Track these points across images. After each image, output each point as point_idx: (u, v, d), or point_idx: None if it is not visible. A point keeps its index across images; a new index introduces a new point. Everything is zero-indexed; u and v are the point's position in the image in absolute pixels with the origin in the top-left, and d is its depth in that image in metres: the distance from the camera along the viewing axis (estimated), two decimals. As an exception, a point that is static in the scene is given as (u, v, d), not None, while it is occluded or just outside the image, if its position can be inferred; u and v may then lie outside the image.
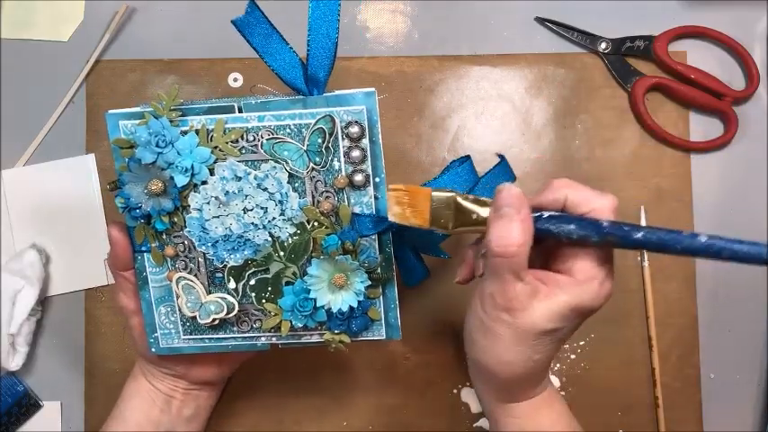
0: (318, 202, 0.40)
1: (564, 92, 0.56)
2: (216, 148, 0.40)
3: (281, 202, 0.41)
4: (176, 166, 0.40)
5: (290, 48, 0.40)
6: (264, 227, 0.41)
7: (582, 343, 0.55)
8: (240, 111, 0.40)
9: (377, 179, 0.40)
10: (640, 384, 0.54)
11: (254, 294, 0.42)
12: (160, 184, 0.39)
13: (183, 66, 0.56)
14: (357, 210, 0.40)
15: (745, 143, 0.56)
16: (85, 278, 0.55)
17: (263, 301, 0.42)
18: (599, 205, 0.37)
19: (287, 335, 0.42)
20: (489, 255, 0.37)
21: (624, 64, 0.56)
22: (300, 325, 0.41)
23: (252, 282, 0.42)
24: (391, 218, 0.39)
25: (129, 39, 0.56)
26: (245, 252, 0.42)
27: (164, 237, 0.42)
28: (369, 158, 0.39)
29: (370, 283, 0.41)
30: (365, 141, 0.39)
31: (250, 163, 0.40)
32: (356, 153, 0.39)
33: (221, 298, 0.42)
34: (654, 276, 0.55)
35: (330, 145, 0.39)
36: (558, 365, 0.55)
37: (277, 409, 0.55)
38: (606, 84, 0.56)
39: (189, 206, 0.41)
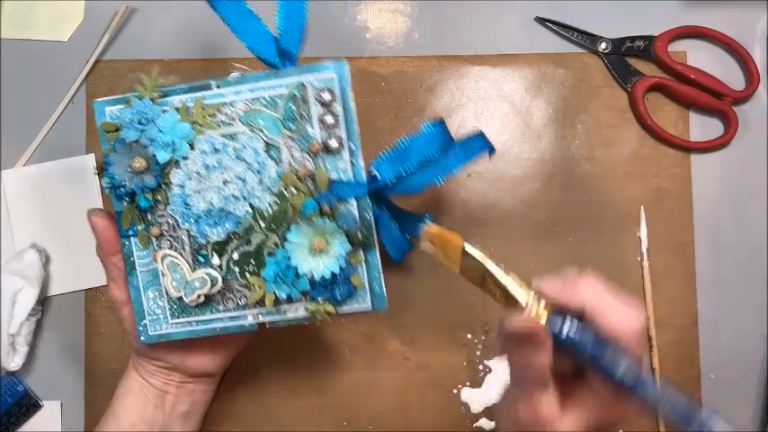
0: (295, 169, 0.42)
1: (564, 92, 0.56)
2: (195, 123, 0.42)
3: (258, 171, 0.42)
4: (158, 143, 0.42)
5: (263, 23, 0.42)
6: (244, 198, 0.42)
7: (582, 343, 0.55)
8: (218, 87, 0.42)
9: (352, 146, 0.41)
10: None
11: (237, 269, 0.43)
12: (143, 161, 0.41)
13: (183, 66, 0.56)
14: (334, 176, 0.41)
15: (745, 143, 0.56)
16: (85, 278, 0.55)
17: (247, 274, 0.43)
18: (620, 323, 0.33)
19: (272, 311, 0.43)
20: (512, 367, 0.35)
21: (624, 64, 0.56)
22: (284, 296, 0.42)
23: (235, 256, 0.43)
24: (423, 249, 0.39)
25: (129, 39, 0.56)
26: (227, 225, 0.43)
27: (149, 217, 0.43)
28: (342, 124, 0.41)
29: (350, 247, 0.41)
30: (337, 107, 0.41)
31: (228, 135, 0.42)
32: (329, 119, 0.41)
33: (206, 273, 0.43)
34: (654, 276, 0.55)
35: (303, 111, 0.41)
36: (558, 365, 0.55)
37: (277, 409, 0.55)
38: (606, 84, 0.56)
39: (171, 183, 0.43)
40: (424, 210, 0.55)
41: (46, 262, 0.55)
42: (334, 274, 0.41)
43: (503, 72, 0.56)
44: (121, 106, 0.42)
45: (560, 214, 0.55)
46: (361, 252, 0.42)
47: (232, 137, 0.42)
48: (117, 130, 0.42)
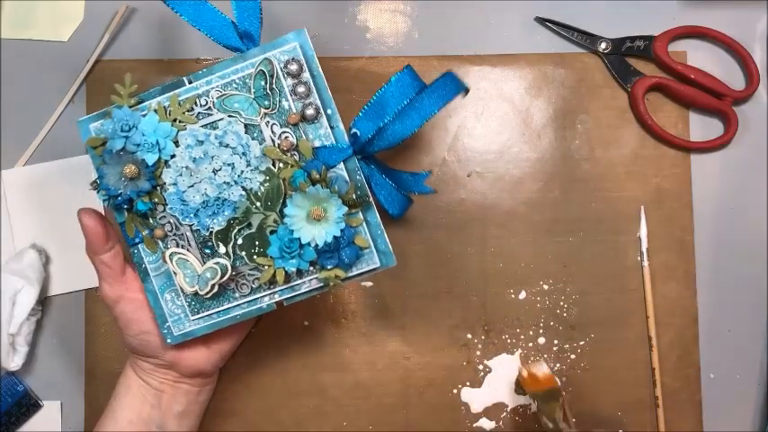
0: (278, 143, 0.43)
1: (564, 92, 0.56)
2: (175, 120, 0.43)
3: (244, 153, 0.43)
4: (143, 146, 0.43)
5: (219, 11, 0.43)
6: (236, 182, 0.43)
7: (582, 343, 0.55)
8: (190, 82, 0.43)
9: (328, 110, 0.43)
10: (640, 384, 0.55)
11: (244, 253, 0.44)
12: (134, 167, 0.42)
13: (182, 66, 0.56)
14: (317, 144, 0.42)
15: (745, 143, 0.56)
16: (85, 278, 0.55)
17: (254, 256, 0.44)
18: None
19: (287, 288, 0.44)
20: None
21: (624, 64, 0.56)
22: (294, 269, 0.43)
23: (239, 241, 0.44)
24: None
25: (129, 39, 0.56)
26: (226, 213, 0.44)
27: (150, 221, 0.44)
28: (314, 91, 0.42)
29: (346, 209, 0.42)
30: (306, 75, 0.42)
31: (208, 125, 0.43)
32: (301, 88, 0.42)
33: (215, 263, 0.44)
34: (654, 276, 0.55)
35: (274, 86, 0.42)
36: (558, 365, 0.55)
37: (277, 409, 0.55)
38: (606, 84, 0.56)
39: (165, 183, 0.43)
40: (426, 212, 0.55)
41: (46, 262, 0.55)
42: (336, 238, 0.42)
43: (503, 72, 0.56)
44: (103, 120, 0.43)
45: (560, 214, 0.55)
46: (360, 213, 0.43)
47: (213, 126, 0.43)
48: (104, 143, 0.43)
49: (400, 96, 0.43)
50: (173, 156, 0.43)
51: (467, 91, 0.44)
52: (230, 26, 0.43)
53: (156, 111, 0.43)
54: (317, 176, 0.42)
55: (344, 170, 0.43)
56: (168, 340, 0.46)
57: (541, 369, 0.53)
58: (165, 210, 0.44)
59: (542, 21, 0.56)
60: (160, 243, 0.44)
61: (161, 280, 0.45)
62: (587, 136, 0.56)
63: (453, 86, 0.43)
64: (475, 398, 0.54)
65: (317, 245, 0.42)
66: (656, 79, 0.55)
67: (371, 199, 0.43)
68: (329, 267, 0.43)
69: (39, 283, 0.53)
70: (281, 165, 0.43)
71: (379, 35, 0.57)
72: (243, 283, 0.44)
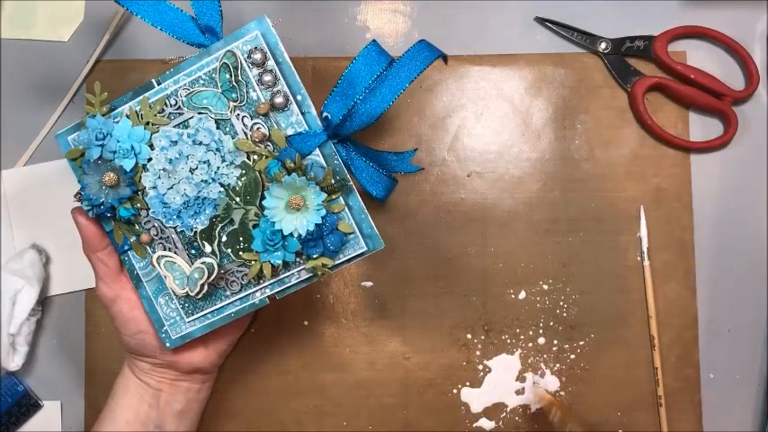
0: (250, 135, 0.43)
1: (564, 92, 0.56)
2: (148, 123, 0.43)
3: (217, 149, 0.43)
4: (119, 152, 0.43)
5: (177, 8, 0.43)
6: (213, 179, 0.43)
7: (582, 343, 0.55)
8: (159, 83, 0.43)
9: (298, 97, 0.42)
10: (640, 384, 0.55)
11: (229, 250, 0.44)
12: (113, 175, 0.43)
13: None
14: (290, 132, 0.42)
15: (744, 143, 0.56)
16: (85, 278, 0.55)
17: (240, 252, 0.44)
18: None
19: (276, 282, 0.44)
20: None
21: (624, 64, 0.56)
22: (279, 262, 0.43)
23: (224, 238, 0.44)
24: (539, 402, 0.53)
25: (129, 39, 0.56)
26: (207, 211, 0.44)
27: (136, 227, 0.44)
28: (280, 79, 0.42)
29: (325, 195, 0.42)
30: (271, 63, 0.42)
31: (180, 125, 0.43)
32: (267, 77, 0.42)
33: (201, 263, 0.44)
34: (654, 276, 0.55)
35: (240, 78, 0.42)
36: (557, 365, 0.55)
37: (277, 409, 0.55)
38: (606, 84, 0.56)
39: (145, 188, 0.44)
40: (426, 212, 0.55)
41: (46, 262, 0.55)
42: (318, 226, 0.42)
43: (503, 72, 0.56)
44: (79, 131, 0.44)
45: (560, 214, 0.55)
46: (341, 199, 0.42)
47: (184, 125, 0.43)
48: (83, 154, 0.43)
49: (368, 73, 0.42)
50: (149, 159, 0.43)
51: (445, 58, 0.43)
52: (190, 22, 0.43)
53: (128, 116, 0.43)
54: (292, 165, 0.42)
55: (321, 156, 0.42)
56: (167, 344, 0.46)
57: (544, 395, 0.54)
58: (148, 214, 0.44)
59: (542, 21, 0.56)
60: (148, 248, 0.45)
61: (154, 285, 0.45)
62: (587, 136, 0.56)
63: (426, 56, 0.42)
64: (475, 398, 0.54)
65: (299, 235, 0.42)
66: (655, 79, 0.55)
67: (352, 183, 0.43)
68: (315, 256, 0.43)
69: (39, 283, 0.53)
70: (256, 157, 0.43)
71: (379, 35, 0.57)
72: (233, 281, 0.45)
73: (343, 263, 0.43)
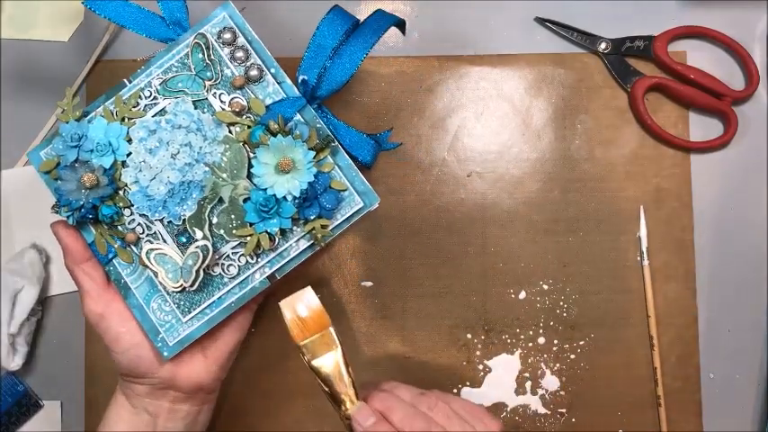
0: (229, 108, 0.43)
1: (564, 92, 0.56)
2: (123, 119, 0.43)
3: (198, 129, 0.43)
4: (97, 151, 0.42)
5: (142, 7, 0.44)
6: (197, 160, 0.43)
7: (582, 343, 0.55)
8: (130, 82, 0.44)
9: (272, 69, 0.43)
10: (641, 384, 0.54)
11: (222, 231, 0.43)
12: (92, 175, 0.42)
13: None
14: (269, 102, 0.43)
15: (744, 143, 0.56)
16: (85, 278, 0.55)
17: (233, 230, 0.43)
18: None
19: (276, 257, 0.43)
20: None
21: (624, 64, 0.56)
22: (276, 229, 0.42)
23: (215, 219, 0.43)
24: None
25: (129, 39, 0.56)
26: (194, 195, 0.43)
27: (120, 228, 0.43)
28: (252, 53, 0.43)
29: (314, 153, 0.42)
30: (241, 40, 0.43)
31: (158, 114, 0.43)
32: (239, 53, 0.43)
33: (195, 248, 0.42)
34: (654, 276, 0.55)
35: (213, 56, 0.43)
36: (557, 365, 0.55)
37: (277, 409, 0.55)
38: (606, 84, 0.56)
39: (126, 185, 0.43)
40: (426, 212, 0.55)
41: (46, 262, 0.55)
42: (312, 185, 0.42)
43: (503, 72, 0.56)
44: (52, 143, 0.43)
45: (560, 214, 0.55)
46: (330, 158, 0.43)
47: (162, 112, 0.43)
48: (58, 164, 0.43)
49: (335, 34, 0.43)
50: (128, 154, 0.43)
51: (402, 24, 0.45)
52: (157, 20, 0.44)
53: (102, 115, 0.43)
54: (276, 127, 0.42)
55: (303, 121, 0.43)
56: (165, 354, 0.43)
57: (309, 304, 0.42)
58: (132, 212, 0.43)
59: (542, 21, 0.56)
60: (134, 249, 0.43)
61: (144, 289, 0.43)
62: (587, 136, 0.56)
63: (385, 20, 0.44)
64: (475, 398, 0.54)
65: (293, 196, 0.41)
66: (655, 79, 0.55)
67: (337, 143, 0.43)
68: (312, 218, 0.42)
69: (39, 282, 0.53)
70: (238, 129, 0.43)
71: (379, 35, 0.56)
72: (229, 264, 0.43)
73: (341, 223, 0.43)
